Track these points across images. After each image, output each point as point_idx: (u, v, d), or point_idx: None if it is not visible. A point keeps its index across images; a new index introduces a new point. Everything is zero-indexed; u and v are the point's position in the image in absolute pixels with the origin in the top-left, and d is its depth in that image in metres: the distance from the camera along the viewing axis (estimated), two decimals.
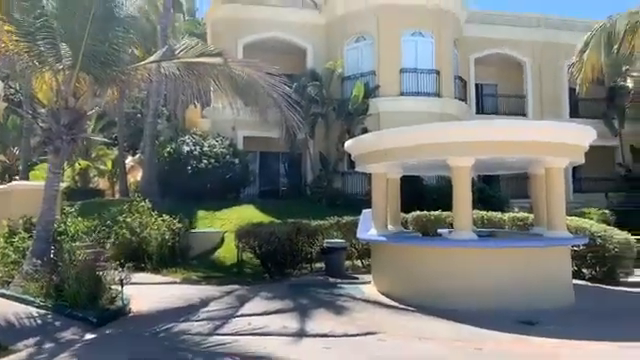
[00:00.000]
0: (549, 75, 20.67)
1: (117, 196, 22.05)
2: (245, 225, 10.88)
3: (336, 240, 11.07)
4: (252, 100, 8.87)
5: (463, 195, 7.89)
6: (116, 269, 7.57)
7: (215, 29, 18.50)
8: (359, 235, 9.90)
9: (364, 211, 10.16)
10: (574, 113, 20.90)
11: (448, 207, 13.18)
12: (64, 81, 7.70)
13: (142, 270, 10.51)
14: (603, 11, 32.02)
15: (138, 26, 10.57)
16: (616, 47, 14.51)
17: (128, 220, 11.27)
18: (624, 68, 18.75)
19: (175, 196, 15.53)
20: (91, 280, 6.89)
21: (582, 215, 12.59)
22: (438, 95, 17.06)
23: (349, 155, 16.98)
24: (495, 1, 56.23)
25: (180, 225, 11.57)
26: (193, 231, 12.40)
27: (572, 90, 21.06)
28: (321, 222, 11.51)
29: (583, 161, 8.66)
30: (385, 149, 8.52)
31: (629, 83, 19.84)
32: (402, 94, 16.76)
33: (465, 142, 7.65)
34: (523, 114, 20.58)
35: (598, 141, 9.14)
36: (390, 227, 9.72)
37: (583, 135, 8.13)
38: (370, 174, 14.91)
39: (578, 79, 14.99)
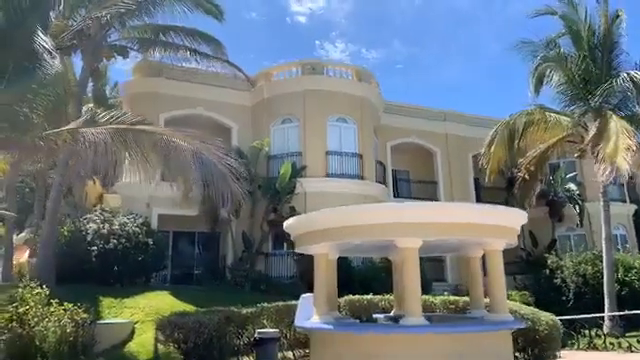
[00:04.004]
0: (457, 164, 22.39)
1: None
2: (168, 315, 9.57)
3: (268, 330, 10.10)
4: (182, 172, 8.13)
5: (413, 278, 7.63)
6: None
7: (134, 101, 17.71)
8: (299, 323, 9.10)
9: (303, 296, 9.47)
10: (478, 200, 22.59)
11: (375, 290, 13.07)
12: None
13: None
14: (493, 109, 36.97)
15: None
16: (517, 142, 16.24)
17: (20, 310, 9.40)
18: (519, 160, 20.89)
19: (75, 281, 13.62)
20: None
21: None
22: (361, 178, 17.50)
23: (275, 235, 16.53)
24: (406, 94, 62.38)
25: (85, 315, 9.89)
26: (99, 322, 10.69)
27: (476, 179, 23.05)
28: (251, 310, 10.54)
29: (517, 243, 8.99)
30: (331, 228, 8.15)
31: (522, 174, 22.05)
32: (328, 175, 16.96)
33: (414, 223, 7.57)
34: (435, 199, 21.76)
35: None
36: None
37: (518, 218, 8.48)
38: (299, 256, 14.46)
39: (487, 170, 16.30)
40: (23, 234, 24.43)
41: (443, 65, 60.36)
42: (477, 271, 9.48)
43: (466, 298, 11.77)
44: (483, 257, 9.02)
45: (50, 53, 6.25)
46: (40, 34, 6.22)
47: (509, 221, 8.41)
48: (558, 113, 16.41)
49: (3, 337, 9.22)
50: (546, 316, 10.27)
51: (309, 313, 8.91)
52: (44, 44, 6.15)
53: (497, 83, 61.38)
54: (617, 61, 16.21)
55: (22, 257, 21.72)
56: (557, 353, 10.27)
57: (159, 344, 9.58)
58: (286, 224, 9.62)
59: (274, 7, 61.03)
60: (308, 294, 9.34)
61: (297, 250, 9.70)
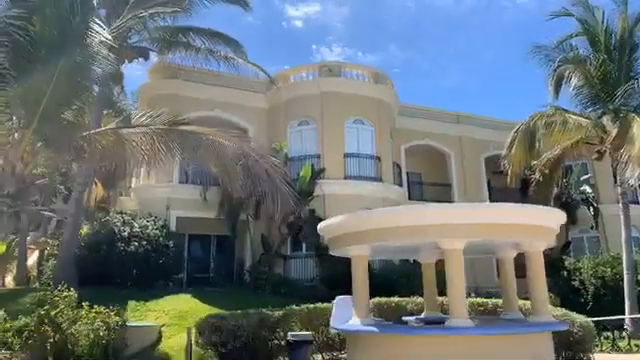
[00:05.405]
0: (470, 166, 22.36)
1: (11, 285, 18.78)
2: (205, 317, 9.46)
3: (301, 332, 10.01)
4: (228, 173, 8.03)
5: (457, 279, 7.56)
6: None
7: (152, 103, 17.58)
8: (337, 325, 8.99)
9: (338, 298, 9.35)
10: (492, 202, 22.54)
11: (398, 292, 12.98)
12: (12, 143, 6.41)
13: None
14: (492, 113, 37.11)
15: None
16: (537, 144, 16.23)
17: (52, 313, 9.27)
18: (533, 162, 20.90)
19: (95, 283, 13.47)
20: None
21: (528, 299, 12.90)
22: (380, 180, 17.45)
23: (294, 236, 16.42)
24: (404, 98, 62.42)
25: (117, 318, 9.78)
26: (128, 325, 10.57)
27: (488, 181, 23.06)
28: (282, 312, 10.45)
29: (555, 244, 8.96)
30: (373, 230, 8.06)
31: (537, 176, 22.04)
32: (346, 178, 16.90)
33: (460, 224, 7.50)
34: (450, 201, 21.70)
35: None
36: None
37: (558, 218, 8.43)
38: (322, 259, 14.38)
39: (509, 172, 16.30)
40: (29, 236, 24.27)
41: (440, 69, 60.65)
42: (511, 272, 9.42)
43: (495, 300, 11.72)
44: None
45: (109, 47, 6.14)
46: (96, 27, 6.12)
47: (550, 221, 8.35)
48: (576, 115, 16.42)
49: (32, 342, 9.10)
50: (580, 318, 10.24)
51: (347, 315, 8.82)
52: (99, 37, 6.04)
53: (495, 87, 61.55)
54: (638, 63, 16.25)
55: (30, 260, 21.58)
56: (590, 355, 10.21)
57: (194, 346, 9.44)
58: (321, 226, 9.50)
59: (270, 11, 61.20)
60: (343, 296, 9.23)
61: (332, 252, 9.58)
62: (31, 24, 6.04)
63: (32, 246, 22.38)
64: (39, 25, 6.05)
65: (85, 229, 15.62)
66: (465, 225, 7.56)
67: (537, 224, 8.03)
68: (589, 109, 16.86)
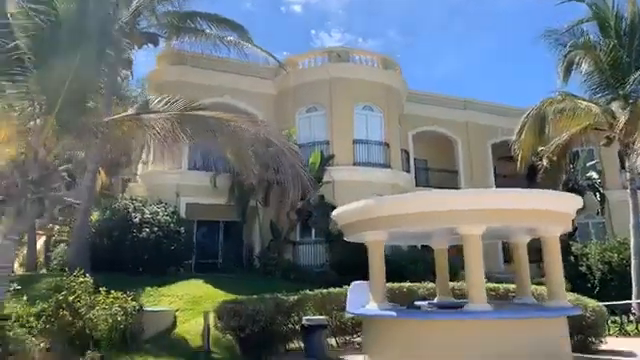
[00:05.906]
0: (477, 152, 22.33)
1: (21, 271, 18.83)
2: (225, 302, 9.56)
3: (316, 317, 10.12)
4: (243, 159, 8.03)
5: (475, 265, 7.64)
6: None
7: (160, 90, 17.47)
8: (353, 310, 9.10)
9: (353, 283, 9.46)
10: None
11: (407, 277, 13.07)
12: (34, 129, 6.40)
13: None
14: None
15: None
16: (547, 129, 16.18)
17: (70, 299, 9.36)
18: (540, 149, 20.87)
19: (107, 269, 13.55)
20: None
21: (541, 284, 13.00)
22: (388, 166, 17.45)
23: (303, 222, 16.48)
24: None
25: (134, 303, 9.87)
26: (145, 310, 10.67)
27: (494, 168, 23.08)
28: (296, 297, 10.54)
29: (570, 229, 9.01)
30: (391, 216, 8.12)
31: (544, 162, 22.03)
32: (355, 164, 16.90)
33: (479, 210, 7.55)
34: (456, 188, 21.71)
35: None
36: None
37: (575, 204, 8.48)
38: (333, 245, 14.43)
39: (518, 157, 16.29)
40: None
41: (438, 55, 60.18)
42: (524, 257, 9.53)
43: (506, 285, 11.82)
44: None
45: (123, 33, 6.09)
46: (113, 12, 6.07)
47: (568, 207, 8.41)
48: (586, 101, 16.34)
49: (50, 326, 9.17)
50: (592, 303, 10.33)
51: (362, 300, 8.91)
52: (117, 22, 5.98)
53: (493, 72, 61.07)
54: None
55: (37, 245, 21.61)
56: (602, 339, 10.33)
57: (211, 330, 9.56)
58: (335, 213, 9.56)
59: None
60: (359, 282, 9.33)
61: (347, 238, 9.64)
62: (52, 7, 6.02)
63: (39, 232, 22.46)
64: (61, 8, 6.01)
65: (95, 215, 15.67)
66: (485, 211, 7.61)
67: (555, 210, 8.08)
68: (598, 95, 16.76)
